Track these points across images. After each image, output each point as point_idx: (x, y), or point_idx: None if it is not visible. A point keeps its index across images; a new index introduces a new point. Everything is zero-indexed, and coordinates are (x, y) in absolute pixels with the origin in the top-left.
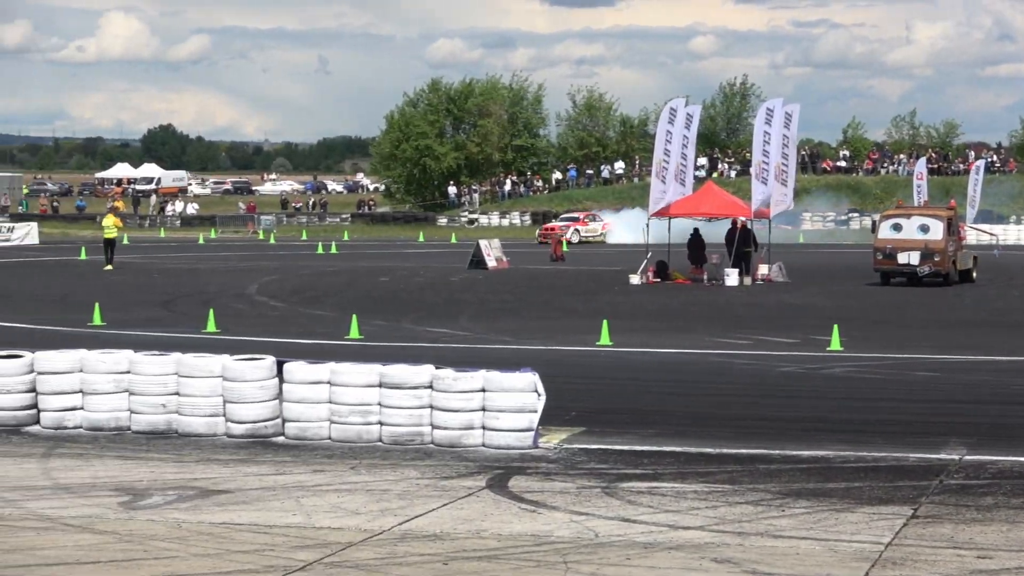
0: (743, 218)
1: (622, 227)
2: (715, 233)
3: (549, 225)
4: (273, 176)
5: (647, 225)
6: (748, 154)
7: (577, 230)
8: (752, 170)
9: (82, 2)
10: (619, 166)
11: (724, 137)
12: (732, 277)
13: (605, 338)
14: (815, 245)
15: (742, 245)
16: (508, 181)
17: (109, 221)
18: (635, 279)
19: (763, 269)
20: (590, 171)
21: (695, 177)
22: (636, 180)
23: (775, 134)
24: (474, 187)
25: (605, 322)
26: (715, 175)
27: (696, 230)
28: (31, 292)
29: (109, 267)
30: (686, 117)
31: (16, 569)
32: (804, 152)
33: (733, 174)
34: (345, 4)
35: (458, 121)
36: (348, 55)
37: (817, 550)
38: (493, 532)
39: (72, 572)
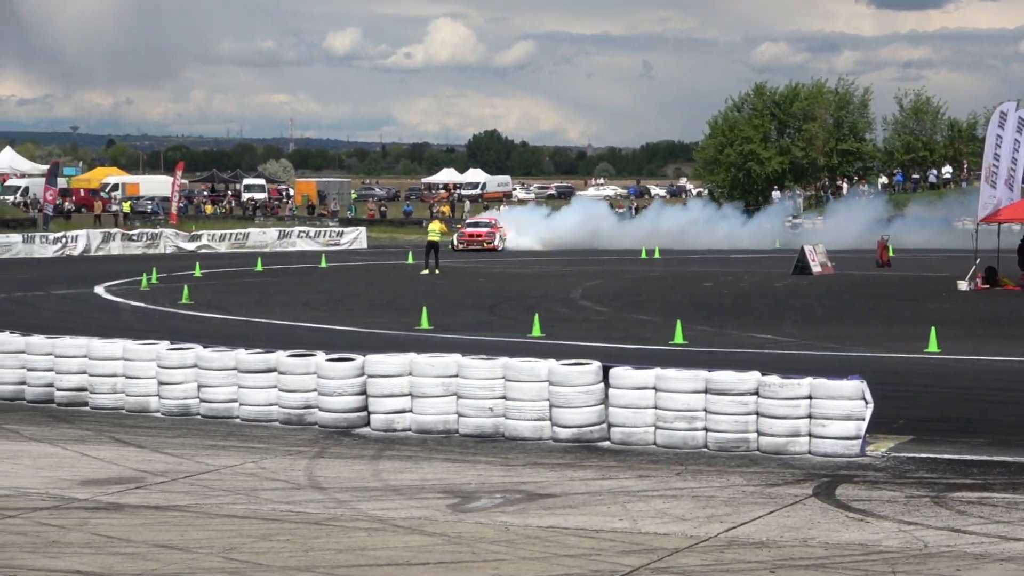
0: None
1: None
2: None
3: (475, 231)
4: (600, 181)
5: (976, 230)
6: None
7: (502, 237)
8: None
9: (410, 9)
10: (946, 170)
11: None
12: None
13: (933, 345)
14: None
15: None
16: (839, 185)
17: (435, 226)
18: (963, 285)
19: None
20: (916, 175)
21: None
22: (964, 184)
23: None
24: (798, 191)
25: (933, 329)
26: None
27: None
28: (361, 296)
29: (425, 271)
30: (1017, 121)
31: (348, 569)
32: None
33: None
34: (670, 8)
35: (783, 125)
36: (672, 59)
37: None
38: (820, 540)
39: (403, 573)
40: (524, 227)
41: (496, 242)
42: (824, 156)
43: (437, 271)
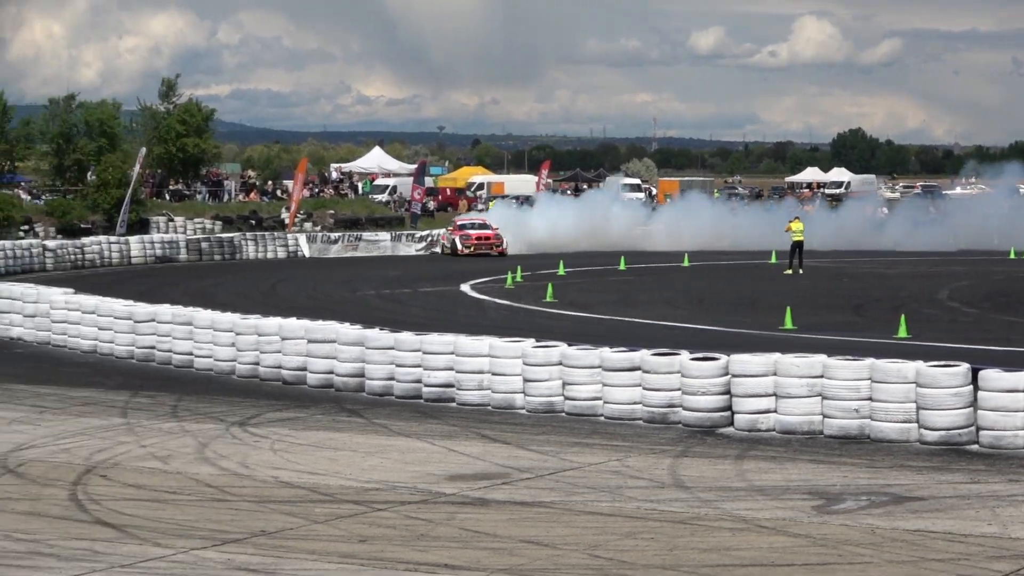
0: None
1: None
2: None
3: (483, 233)
4: (972, 180)
5: None
6: None
7: (505, 240)
8: None
9: (775, 7)
10: None
11: None
12: None
13: None
14: None
15: None
16: None
17: (797, 225)
18: None
19: None
20: None
21: None
22: None
23: None
24: None
25: None
26: None
27: None
28: (723, 295)
29: (789, 271)
30: None
31: (712, 568)
32: None
33: None
34: None
35: None
36: None
37: None
38: None
39: (767, 574)
40: (509, 227)
41: (504, 245)
42: None
43: (800, 271)
